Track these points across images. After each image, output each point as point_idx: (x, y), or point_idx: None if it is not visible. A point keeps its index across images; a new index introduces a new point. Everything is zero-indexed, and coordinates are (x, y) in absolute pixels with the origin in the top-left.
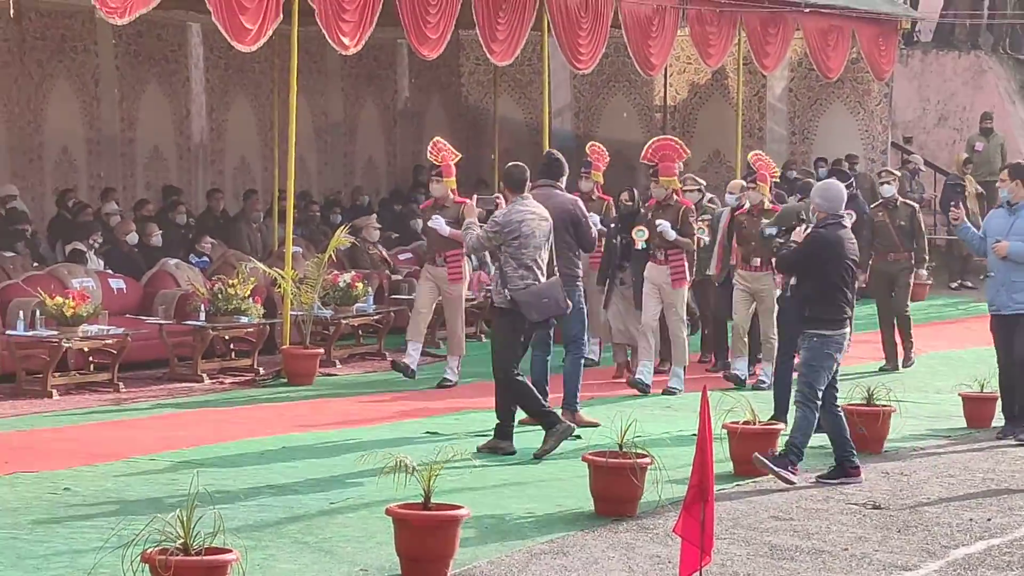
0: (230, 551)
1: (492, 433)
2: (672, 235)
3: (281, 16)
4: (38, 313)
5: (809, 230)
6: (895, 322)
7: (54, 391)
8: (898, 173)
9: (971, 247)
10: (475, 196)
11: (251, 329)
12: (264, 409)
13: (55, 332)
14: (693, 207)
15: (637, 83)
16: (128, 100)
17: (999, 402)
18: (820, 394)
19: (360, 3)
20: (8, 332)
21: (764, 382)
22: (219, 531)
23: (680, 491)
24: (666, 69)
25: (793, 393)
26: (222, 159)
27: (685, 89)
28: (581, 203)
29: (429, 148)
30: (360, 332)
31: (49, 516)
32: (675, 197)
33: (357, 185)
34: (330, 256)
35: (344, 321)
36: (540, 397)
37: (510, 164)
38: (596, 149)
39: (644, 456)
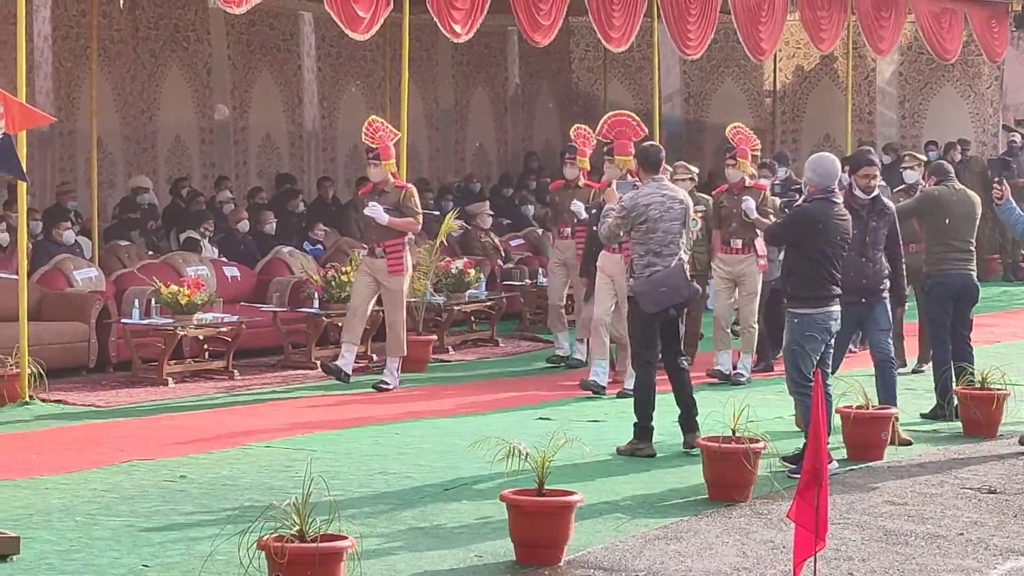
0: (345, 538)
1: (632, 433)
2: None
3: (392, 4)
4: (153, 301)
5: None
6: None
7: (169, 379)
8: (923, 158)
9: (1015, 231)
10: (614, 181)
11: None
12: (378, 396)
13: (170, 320)
14: None
15: (747, 68)
16: (240, 89)
17: None
18: (811, 375)
19: None
20: (124, 320)
21: (742, 375)
22: (334, 518)
23: (793, 476)
24: (776, 54)
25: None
26: (334, 147)
27: (794, 74)
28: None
29: (364, 128)
30: (473, 319)
31: (165, 503)
32: (629, 178)
33: (468, 172)
34: (442, 243)
35: (457, 308)
36: (650, 409)
37: (645, 143)
38: (581, 133)
39: (757, 441)
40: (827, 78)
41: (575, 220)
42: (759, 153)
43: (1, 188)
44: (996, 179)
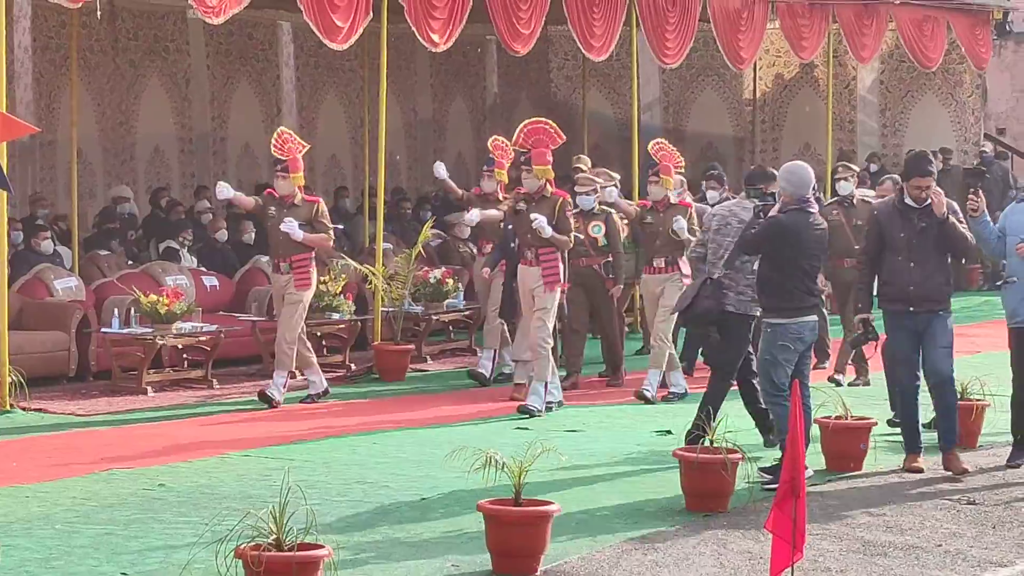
0: (322, 547)
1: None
2: (548, 231)
3: (371, 14)
4: (133, 311)
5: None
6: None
7: (149, 388)
8: (856, 168)
9: (985, 245)
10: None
11: (343, 325)
12: (355, 405)
13: (150, 329)
14: (569, 199)
15: (726, 77)
16: (219, 99)
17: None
18: (785, 386)
19: (450, 0)
20: (103, 330)
21: (647, 391)
22: (311, 527)
23: (769, 488)
24: (755, 62)
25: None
26: (312, 157)
27: (774, 82)
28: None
29: (273, 140)
30: (451, 328)
31: (144, 512)
32: (549, 188)
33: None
34: (419, 252)
35: (435, 317)
36: (710, 416)
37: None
38: (499, 144)
39: (735, 451)
40: (807, 86)
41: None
42: (683, 169)
43: None
44: (972, 190)
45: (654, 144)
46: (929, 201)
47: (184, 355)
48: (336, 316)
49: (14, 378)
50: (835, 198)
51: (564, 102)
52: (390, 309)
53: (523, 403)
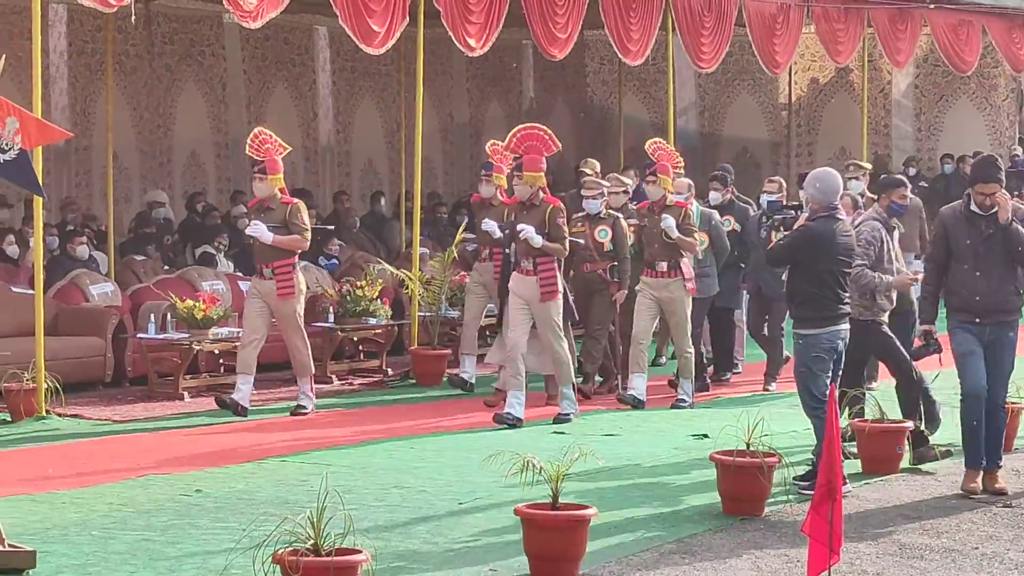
0: (360, 552)
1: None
2: (538, 241)
3: (408, 18)
4: (169, 316)
5: (799, 222)
6: None
7: (185, 393)
8: (867, 166)
9: None
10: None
11: (379, 330)
12: (393, 410)
13: (186, 335)
14: (562, 206)
15: (762, 81)
16: (255, 103)
17: None
18: (826, 396)
19: (486, 4)
20: (140, 335)
21: (684, 400)
22: (349, 532)
23: (806, 493)
24: (791, 67)
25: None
26: (349, 161)
27: (809, 86)
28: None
29: (249, 140)
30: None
31: (181, 518)
32: (541, 195)
33: None
34: (454, 256)
35: None
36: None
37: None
38: (497, 149)
39: (771, 455)
40: (842, 91)
41: (490, 240)
42: (681, 170)
43: (19, 204)
44: (1015, 193)
45: (651, 143)
46: (996, 208)
47: (220, 360)
48: (373, 321)
49: (50, 384)
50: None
51: (600, 106)
52: (427, 313)
53: (558, 412)
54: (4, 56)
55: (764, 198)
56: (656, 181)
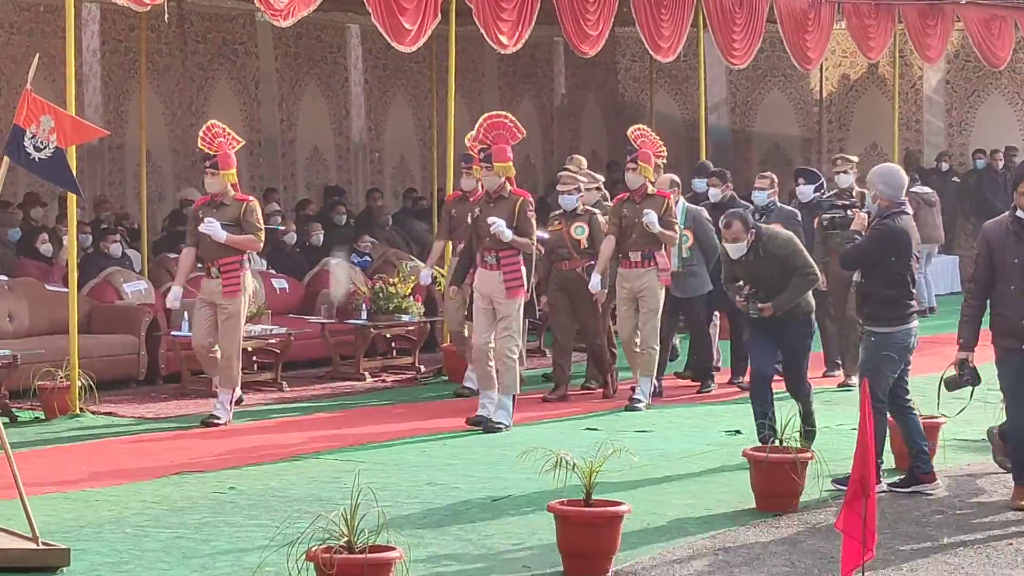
0: (394, 549)
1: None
2: (508, 235)
3: (439, 16)
4: None
5: (872, 220)
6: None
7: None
8: (855, 159)
9: None
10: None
11: (412, 327)
12: (425, 407)
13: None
14: (531, 199)
15: (793, 77)
16: (288, 102)
17: None
18: (886, 396)
19: (518, 2)
20: (173, 333)
21: (640, 401)
22: (382, 529)
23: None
24: (822, 63)
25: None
26: (381, 159)
27: (840, 82)
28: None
29: (201, 133)
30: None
31: (214, 515)
32: (508, 188)
33: None
34: None
35: None
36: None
37: None
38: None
39: (805, 451)
40: (874, 87)
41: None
42: (664, 160)
43: (53, 202)
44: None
45: (633, 129)
46: None
47: (254, 358)
48: (405, 318)
49: (83, 382)
50: (834, 191)
51: (631, 103)
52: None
53: (489, 419)
54: (38, 55)
55: (756, 195)
56: (637, 169)
